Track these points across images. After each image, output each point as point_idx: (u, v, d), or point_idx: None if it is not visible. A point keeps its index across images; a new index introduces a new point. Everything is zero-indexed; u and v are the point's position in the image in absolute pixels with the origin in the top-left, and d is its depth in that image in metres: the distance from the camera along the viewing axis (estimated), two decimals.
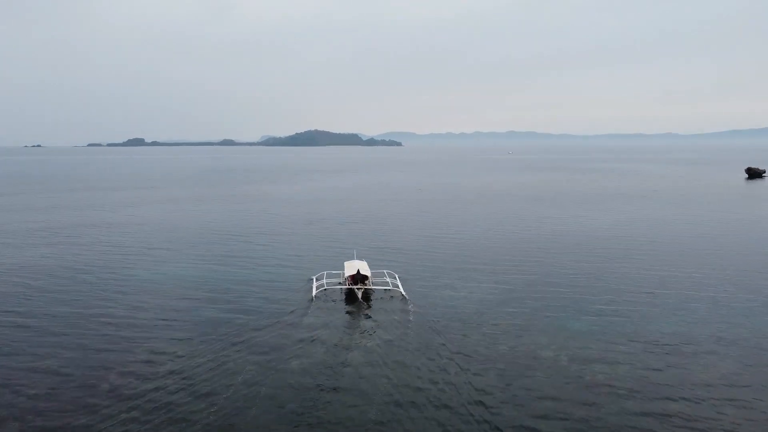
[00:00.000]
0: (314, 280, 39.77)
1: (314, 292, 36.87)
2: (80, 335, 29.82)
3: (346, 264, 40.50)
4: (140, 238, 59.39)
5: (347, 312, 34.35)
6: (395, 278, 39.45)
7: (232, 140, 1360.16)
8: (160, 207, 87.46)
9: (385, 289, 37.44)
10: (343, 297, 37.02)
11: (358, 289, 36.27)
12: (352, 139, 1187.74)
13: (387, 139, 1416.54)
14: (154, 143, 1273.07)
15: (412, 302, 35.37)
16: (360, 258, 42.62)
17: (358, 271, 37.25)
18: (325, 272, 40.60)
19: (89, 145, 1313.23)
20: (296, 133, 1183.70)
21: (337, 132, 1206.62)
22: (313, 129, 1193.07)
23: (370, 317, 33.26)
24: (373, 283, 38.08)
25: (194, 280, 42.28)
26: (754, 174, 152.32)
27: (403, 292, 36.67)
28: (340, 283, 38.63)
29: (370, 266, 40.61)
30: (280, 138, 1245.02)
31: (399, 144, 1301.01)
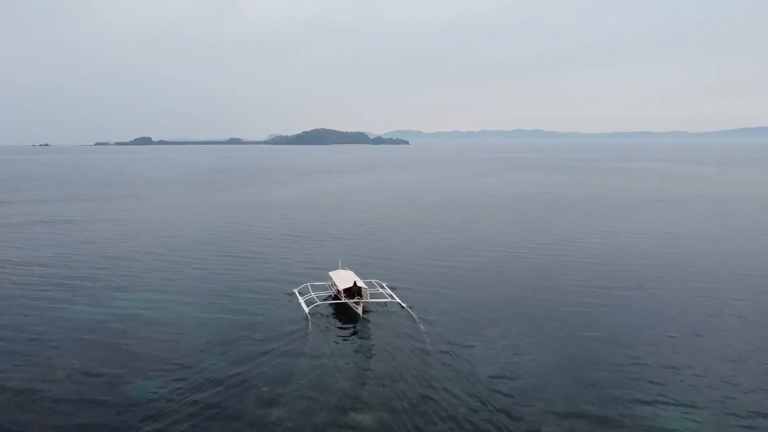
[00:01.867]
0: (298, 294, 35.34)
1: (306, 309, 32.52)
2: None
3: (333, 275, 36.65)
4: (88, 263, 47.01)
5: (353, 333, 30.03)
6: (385, 287, 36.45)
7: (239, 139, 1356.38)
8: (125, 219, 74.33)
9: (382, 302, 34.06)
10: (336, 312, 33.12)
11: (355, 303, 32.32)
12: (359, 138, 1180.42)
13: (394, 138, 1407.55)
14: (162, 142, 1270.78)
15: (419, 317, 31.58)
16: (344, 267, 39.09)
17: (355, 283, 33.46)
18: (309, 284, 36.78)
19: (96, 144, 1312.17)
20: (303, 132, 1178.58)
21: (345, 131, 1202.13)
22: (320, 128, 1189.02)
23: (382, 338, 28.85)
24: (370, 295, 34.53)
25: (148, 312, 33.14)
26: None
27: (404, 304, 33.32)
28: (332, 297, 34.97)
29: (357, 275, 36.87)
30: (287, 137, 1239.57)
31: (406, 143, 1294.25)
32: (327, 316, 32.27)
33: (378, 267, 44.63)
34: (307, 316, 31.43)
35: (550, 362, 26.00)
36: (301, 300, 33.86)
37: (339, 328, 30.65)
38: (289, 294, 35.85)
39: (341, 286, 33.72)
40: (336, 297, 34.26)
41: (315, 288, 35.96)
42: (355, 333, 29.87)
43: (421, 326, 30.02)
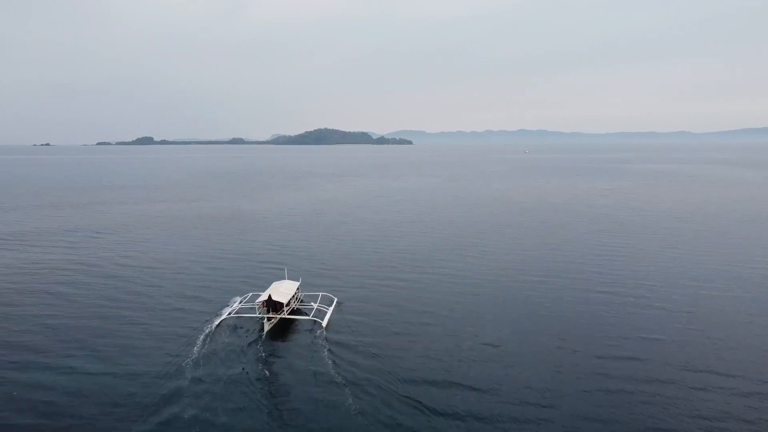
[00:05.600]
0: (235, 303, 35.08)
1: (218, 319, 32.27)
2: None
3: (274, 285, 35.19)
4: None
5: (245, 353, 27.68)
6: (330, 304, 35.17)
7: (241, 139, 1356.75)
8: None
9: (305, 319, 32.65)
10: (247, 326, 31.71)
11: (268, 319, 31.24)
12: (362, 138, 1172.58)
13: (398, 138, 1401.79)
14: (164, 142, 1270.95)
15: (335, 341, 28.96)
16: (293, 277, 38.17)
17: (270, 297, 31.98)
18: (252, 293, 36.54)
19: (98, 143, 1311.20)
20: (306, 132, 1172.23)
21: (348, 130, 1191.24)
22: (323, 127, 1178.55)
23: (278, 362, 26.63)
24: (295, 311, 33.85)
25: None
26: None
27: (324, 324, 31.44)
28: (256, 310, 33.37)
29: (308, 287, 37.42)
30: (290, 137, 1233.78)
31: (410, 142, 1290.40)
32: (234, 330, 31.07)
33: (332, 278, 42.05)
34: (212, 330, 30.93)
35: None
36: (225, 310, 33.81)
37: (234, 345, 28.79)
38: (227, 304, 35.33)
39: (261, 298, 32.71)
40: (258, 310, 32.91)
41: (254, 298, 34.89)
42: (247, 353, 27.71)
43: (334, 353, 27.61)
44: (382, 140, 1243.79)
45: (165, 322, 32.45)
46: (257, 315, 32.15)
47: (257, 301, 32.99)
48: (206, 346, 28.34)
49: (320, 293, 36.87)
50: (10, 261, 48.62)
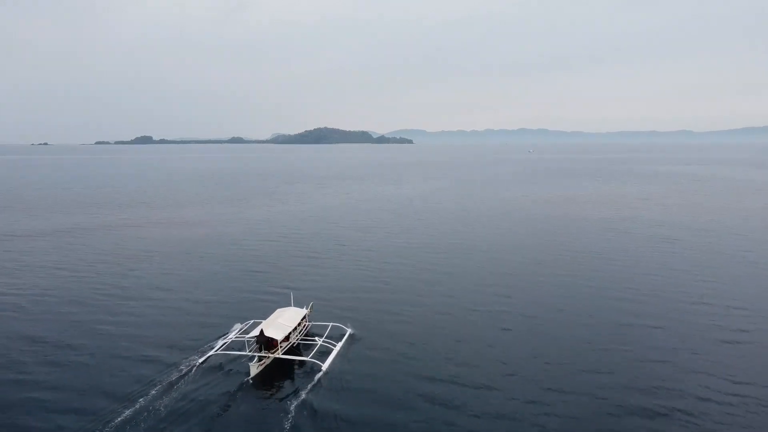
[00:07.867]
0: (231, 333, 30.98)
1: (203, 357, 27.66)
2: None
3: (275, 313, 31.24)
4: None
5: (214, 406, 22.68)
6: (340, 338, 30.53)
7: (241, 138, 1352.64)
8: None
9: (303, 360, 27.72)
10: (236, 364, 27.27)
11: (259, 359, 26.85)
12: (362, 137, 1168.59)
13: (398, 137, 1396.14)
14: (163, 141, 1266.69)
15: (320, 401, 23.24)
16: (300, 304, 34.35)
17: (262, 332, 27.94)
18: (251, 321, 33.01)
19: (97, 143, 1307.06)
20: (306, 131, 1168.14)
21: (348, 130, 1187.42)
22: (323, 127, 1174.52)
23: (257, 420, 21.47)
24: (294, 348, 29.39)
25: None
26: None
27: (324, 368, 26.60)
28: (248, 344, 29.27)
29: (317, 315, 33.87)
30: (290, 136, 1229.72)
31: (410, 142, 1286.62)
32: (215, 373, 26.15)
33: (347, 303, 37.37)
34: (191, 369, 26.29)
35: None
36: (217, 342, 29.74)
37: (208, 393, 23.82)
38: (223, 334, 31.16)
39: (254, 332, 28.97)
40: (250, 346, 28.85)
41: (255, 326, 31.06)
42: (217, 405, 22.68)
43: (334, 407, 22.44)
44: (382, 139, 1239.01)
45: (136, 354, 28.40)
46: (247, 353, 27.61)
47: (249, 335, 29.16)
48: (164, 397, 23.41)
49: (330, 323, 32.56)
50: None
